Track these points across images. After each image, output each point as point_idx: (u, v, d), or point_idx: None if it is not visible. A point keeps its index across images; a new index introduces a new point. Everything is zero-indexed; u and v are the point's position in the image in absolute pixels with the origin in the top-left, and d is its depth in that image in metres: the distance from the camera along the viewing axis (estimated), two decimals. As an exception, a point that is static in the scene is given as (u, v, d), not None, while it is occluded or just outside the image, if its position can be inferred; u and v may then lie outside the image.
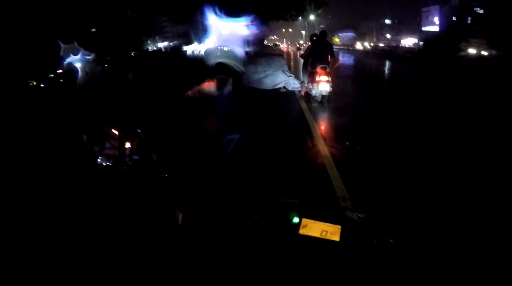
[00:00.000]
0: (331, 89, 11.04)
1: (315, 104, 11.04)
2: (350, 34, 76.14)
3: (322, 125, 8.68)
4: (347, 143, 6.99)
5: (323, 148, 6.76)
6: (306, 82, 11.93)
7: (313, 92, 11.27)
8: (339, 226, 1.55)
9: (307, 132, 7.90)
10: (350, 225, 1.62)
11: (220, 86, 5.70)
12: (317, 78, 10.86)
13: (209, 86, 6.23)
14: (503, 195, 3.67)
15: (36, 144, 6.21)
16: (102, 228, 3.26)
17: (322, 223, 1.56)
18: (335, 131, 8.25)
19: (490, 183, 4.30)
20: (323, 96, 11.12)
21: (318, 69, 10.89)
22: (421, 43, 53.68)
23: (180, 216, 1.76)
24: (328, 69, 10.99)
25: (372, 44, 58.99)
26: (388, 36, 68.37)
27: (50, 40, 16.06)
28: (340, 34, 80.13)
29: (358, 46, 63.69)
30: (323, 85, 10.84)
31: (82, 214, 3.83)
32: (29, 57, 14.70)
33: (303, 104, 11.16)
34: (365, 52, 47.13)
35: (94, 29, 22.79)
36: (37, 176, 5.38)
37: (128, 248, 2.19)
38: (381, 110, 10.21)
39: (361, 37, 69.77)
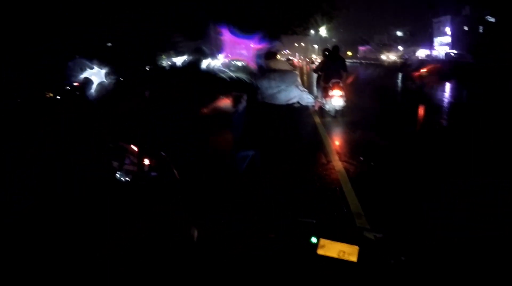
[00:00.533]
0: (344, 103, 11.09)
1: (328, 119, 11.06)
2: (368, 47, 76.02)
3: (336, 140, 8.69)
4: (362, 158, 6.98)
5: (337, 164, 6.76)
6: (319, 96, 11.88)
7: (327, 107, 11.30)
8: (357, 247, 1.56)
9: (321, 147, 7.92)
10: (367, 246, 1.63)
11: (235, 103, 5.76)
12: (330, 93, 10.94)
13: (224, 103, 6.29)
14: (507, 196, 3.62)
15: (36, 144, 6.29)
16: (105, 230, 3.32)
17: (339, 243, 1.58)
18: (349, 146, 8.24)
19: (493, 185, 4.26)
20: (336, 111, 11.17)
21: (331, 84, 10.96)
22: (434, 54, 53.20)
23: (196, 232, 1.79)
24: (341, 84, 11.04)
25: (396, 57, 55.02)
26: (400, 48, 67.88)
27: (50, 40, 16.30)
28: (359, 48, 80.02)
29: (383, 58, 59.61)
30: (336, 100, 10.90)
31: (82, 216, 3.89)
32: (29, 57, 14.97)
33: (317, 119, 11.14)
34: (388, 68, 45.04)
35: (110, 44, 23.23)
36: (37, 176, 5.46)
37: (131, 248, 2.22)
38: (396, 124, 10.19)
39: (384, 48, 67.15)
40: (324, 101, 11.36)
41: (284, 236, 1.69)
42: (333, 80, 11.00)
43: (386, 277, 1.53)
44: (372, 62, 57.14)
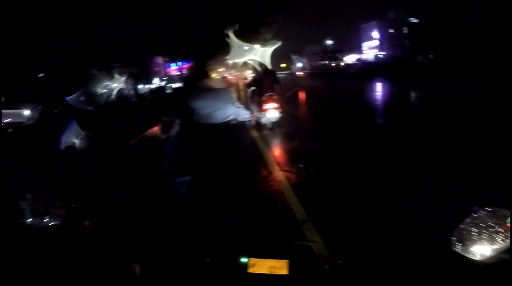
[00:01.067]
0: (280, 115, 11.44)
1: (266, 132, 11.23)
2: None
3: (276, 152, 8.80)
4: (301, 166, 7.12)
5: (279, 174, 6.84)
6: (255, 111, 12.28)
7: (263, 120, 11.59)
8: (286, 261, 1.59)
9: (261, 161, 7.96)
10: (298, 257, 1.66)
11: (165, 129, 5.67)
12: (265, 106, 11.26)
13: (154, 131, 6.19)
14: (490, 195, 3.84)
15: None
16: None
17: (269, 260, 1.60)
18: (289, 156, 8.37)
19: (477, 184, 4.51)
20: (273, 123, 11.48)
21: (265, 97, 11.28)
22: (364, 57, 55.95)
23: (138, 268, 1.74)
24: (275, 96, 11.39)
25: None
26: (331, 55, 70.57)
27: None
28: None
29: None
30: (271, 113, 11.25)
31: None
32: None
33: (255, 134, 11.28)
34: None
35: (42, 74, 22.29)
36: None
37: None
38: (331, 129, 10.55)
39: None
40: (259, 115, 11.69)
41: (218, 259, 1.68)
42: (267, 94, 11.32)
43: (320, 283, 1.56)
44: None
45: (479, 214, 1.53)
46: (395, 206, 4.81)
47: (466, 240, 1.50)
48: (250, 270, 1.61)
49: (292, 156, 8.21)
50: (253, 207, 5.33)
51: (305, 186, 6.07)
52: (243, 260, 1.64)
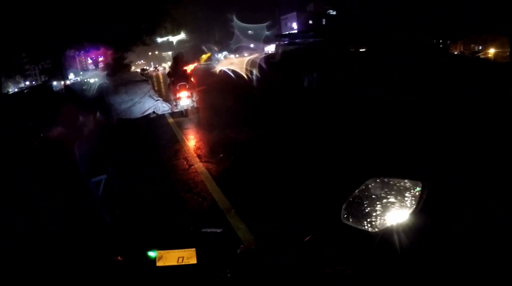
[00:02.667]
0: (193, 102, 12.54)
1: (183, 119, 11.59)
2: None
3: (195, 144, 8.74)
4: (221, 155, 7.18)
5: (199, 165, 6.85)
6: (172, 99, 13.17)
7: (178, 107, 12.60)
8: (193, 249, 1.61)
9: (181, 154, 7.90)
10: (206, 245, 1.69)
11: (76, 128, 5.41)
12: (178, 95, 12.34)
13: (61, 131, 5.86)
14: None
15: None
16: None
17: (176, 250, 1.61)
18: (208, 146, 8.36)
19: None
20: (186, 110, 12.52)
21: (178, 87, 12.36)
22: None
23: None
24: (187, 86, 12.52)
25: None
26: (252, 45, 71.18)
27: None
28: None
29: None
30: (184, 100, 12.35)
31: None
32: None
33: (174, 126, 11.20)
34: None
35: None
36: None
37: None
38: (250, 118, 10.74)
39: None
40: (175, 103, 12.74)
41: (128, 256, 1.68)
42: (180, 83, 12.40)
43: (231, 268, 1.59)
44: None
45: (369, 185, 1.57)
46: (310, 190, 5.04)
47: (357, 213, 1.54)
48: (159, 263, 1.62)
49: (211, 146, 8.22)
50: (173, 201, 5.32)
51: (226, 175, 6.15)
52: (151, 254, 1.66)
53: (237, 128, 9.10)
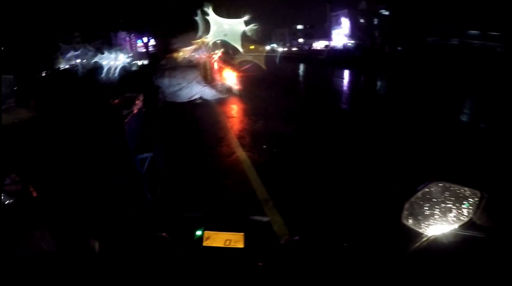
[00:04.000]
0: (236, 82, 14.72)
1: (231, 112, 11.51)
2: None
3: (239, 132, 8.75)
4: (264, 146, 7.15)
5: (241, 154, 6.84)
6: (218, 81, 15.39)
7: (223, 87, 14.78)
8: (242, 234, 1.59)
9: (224, 141, 7.94)
10: (254, 231, 1.66)
11: (127, 105, 5.53)
12: (224, 75, 14.94)
13: (115, 106, 6.02)
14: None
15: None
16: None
17: (225, 233, 1.59)
18: (251, 136, 8.34)
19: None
20: (229, 88, 14.64)
21: (224, 70, 15.13)
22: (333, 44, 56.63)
23: (97, 244, 1.70)
24: (232, 69, 15.20)
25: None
26: (300, 40, 70.93)
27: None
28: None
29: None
30: (229, 80, 14.79)
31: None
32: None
33: (219, 113, 11.28)
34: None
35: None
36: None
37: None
38: (296, 112, 10.64)
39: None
40: (220, 84, 15.00)
41: (174, 234, 1.67)
42: (225, 68, 15.26)
43: (275, 257, 1.57)
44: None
45: (431, 188, 1.53)
46: (355, 188, 4.92)
47: (417, 215, 1.51)
48: (205, 243, 1.60)
49: (257, 137, 8.19)
50: (216, 186, 5.34)
51: (267, 167, 6.11)
52: (198, 233, 1.64)
53: (282, 120, 9.04)
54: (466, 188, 1.50)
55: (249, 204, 4.80)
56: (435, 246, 1.48)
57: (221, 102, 12.90)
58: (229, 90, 14.56)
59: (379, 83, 17.09)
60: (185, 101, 13.50)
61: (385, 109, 10.64)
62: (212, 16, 19.86)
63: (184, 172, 5.83)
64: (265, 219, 1.85)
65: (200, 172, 5.91)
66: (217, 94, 13.92)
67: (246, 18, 19.85)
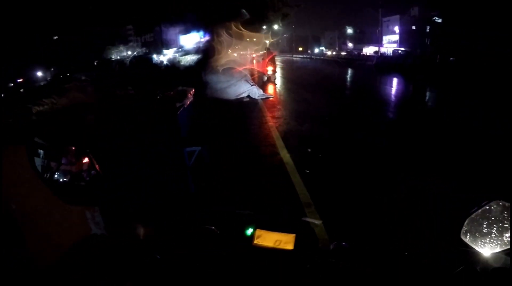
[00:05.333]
0: (275, 72, 19.08)
1: (276, 108, 11.65)
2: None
3: (284, 134, 8.72)
4: (309, 150, 7.08)
5: (285, 156, 6.82)
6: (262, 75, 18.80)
7: (265, 78, 18.18)
8: (293, 235, 1.57)
9: (269, 141, 7.94)
10: (305, 233, 1.64)
11: (181, 98, 5.65)
12: (267, 67, 18.36)
13: (169, 98, 6.17)
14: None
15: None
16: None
17: (276, 233, 1.58)
18: (296, 138, 8.28)
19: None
20: (269, 76, 18.15)
21: (267, 64, 18.44)
22: (383, 51, 55.42)
23: (142, 230, 1.74)
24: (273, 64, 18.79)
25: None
26: (350, 45, 70.00)
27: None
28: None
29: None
30: (269, 69, 18.26)
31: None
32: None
33: (266, 112, 11.29)
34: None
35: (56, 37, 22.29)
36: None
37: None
38: (339, 117, 10.51)
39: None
40: (264, 75, 18.41)
41: (223, 229, 1.67)
42: (268, 62, 18.60)
43: (324, 262, 1.54)
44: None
45: (491, 207, 1.48)
46: (400, 196, 4.79)
47: (475, 232, 1.47)
48: (256, 242, 1.59)
49: (301, 139, 8.13)
50: (258, 186, 5.34)
51: (311, 170, 6.05)
52: (249, 231, 1.63)
53: (327, 125, 8.94)
54: None
55: (291, 206, 4.77)
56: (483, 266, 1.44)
57: (267, 102, 12.94)
58: (269, 77, 18.05)
59: (428, 94, 16.52)
60: (233, 98, 13.63)
61: (431, 120, 10.25)
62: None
63: (227, 169, 5.88)
64: (317, 222, 1.82)
65: (243, 170, 5.94)
66: (264, 94, 13.96)
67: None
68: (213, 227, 1.67)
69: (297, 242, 1.55)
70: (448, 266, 1.46)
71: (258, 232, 1.58)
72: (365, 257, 1.57)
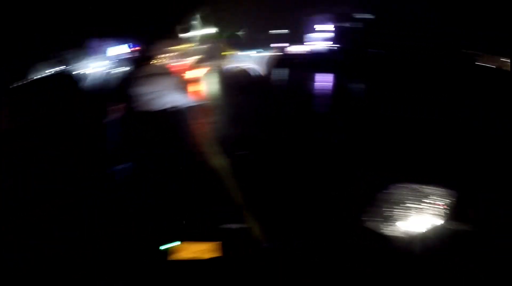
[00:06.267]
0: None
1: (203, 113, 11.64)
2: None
3: (214, 139, 8.75)
4: (241, 152, 7.17)
5: (218, 161, 6.87)
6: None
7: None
8: (219, 242, 1.65)
9: (200, 148, 7.92)
10: (231, 239, 1.73)
11: (108, 114, 5.50)
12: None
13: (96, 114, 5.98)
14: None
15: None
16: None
17: (199, 243, 1.65)
18: (227, 142, 8.36)
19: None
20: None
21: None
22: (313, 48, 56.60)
23: None
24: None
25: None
26: (283, 44, 71.02)
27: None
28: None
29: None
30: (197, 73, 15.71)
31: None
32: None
33: (196, 120, 11.25)
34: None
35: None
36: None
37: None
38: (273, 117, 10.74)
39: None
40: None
41: (142, 245, 1.70)
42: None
43: (253, 263, 1.62)
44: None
45: (397, 191, 1.59)
46: (326, 193, 5.02)
47: (387, 218, 1.58)
48: (180, 256, 1.66)
49: (232, 142, 8.22)
50: (191, 193, 5.36)
51: (244, 173, 6.17)
52: (172, 245, 1.70)
53: (259, 126, 9.10)
54: (439, 188, 1.59)
55: (228, 211, 4.84)
56: (424, 242, 1.54)
57: (196, 109, 12.86)
58: (201, 94, 14.42)
59: (356, 86, 17.30)
60: (160, 109, 13.38)
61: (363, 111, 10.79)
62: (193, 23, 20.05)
63: (159, 183, 5.83)
64: (242, 226, 1.90)
65: (175, 181, 5.92)
66: (192, 101, 13.78)
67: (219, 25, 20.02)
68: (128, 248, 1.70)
69: (224, 249, 1.63)
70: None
71: (180, 245, 1.64)
72: (295, 256, 1.66)
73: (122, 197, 4.68)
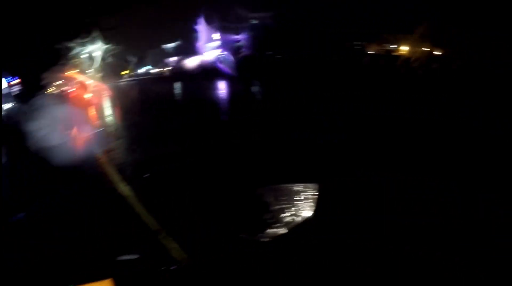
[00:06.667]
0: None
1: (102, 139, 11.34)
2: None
3: (118, 165, 8.46)
4: (146, 175, 7.06)
5: (124, 188, 6.69)
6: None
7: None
8: (110, 279, 1.63)
9: (104, 178, 7.63)
10: (123, 272, 1.72)
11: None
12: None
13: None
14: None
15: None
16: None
17: (91, 284, 1.62)
18: (131, 166, 8.21)
19: None
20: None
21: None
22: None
23: None
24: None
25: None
26: (174, 58, 70.46)
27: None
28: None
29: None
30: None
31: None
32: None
33: (96, 149, 10.83)
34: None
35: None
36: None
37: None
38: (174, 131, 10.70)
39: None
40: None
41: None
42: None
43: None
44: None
45: (262, 194, 1.65)
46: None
47: (251, 224, 1.63)
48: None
49: (137, 166, 8.05)
50: (101, 225, 5.19)
51: (152, 196, 6.08)
52: None
53: (161, 143, 9.05)
54: (300, 184, 1.68)
55: (142, 239, 4.74)
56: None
57: (95, 136, 12.33)
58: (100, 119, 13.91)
59: (252, 90, 17.80)
60: (58, 143, 12.62)
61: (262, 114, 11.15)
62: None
63: (62, 221, 5.55)
64: (133, 256, 1.89)
65: (82, 218, 5.67)
66: (88, 131, 13.14)
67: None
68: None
69: (117, 284, 1.62)
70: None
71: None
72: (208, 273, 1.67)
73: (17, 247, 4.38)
